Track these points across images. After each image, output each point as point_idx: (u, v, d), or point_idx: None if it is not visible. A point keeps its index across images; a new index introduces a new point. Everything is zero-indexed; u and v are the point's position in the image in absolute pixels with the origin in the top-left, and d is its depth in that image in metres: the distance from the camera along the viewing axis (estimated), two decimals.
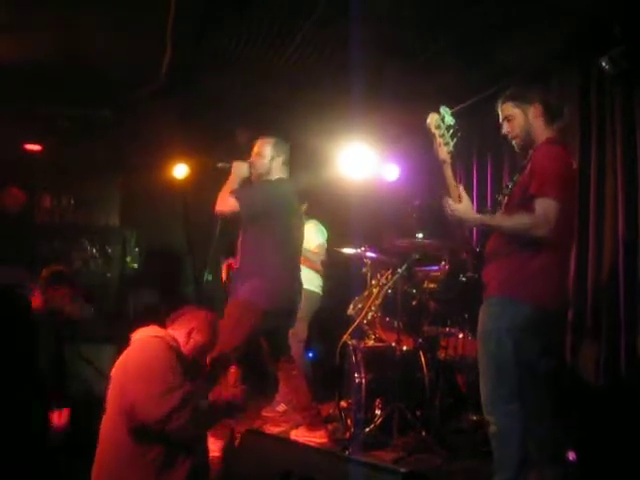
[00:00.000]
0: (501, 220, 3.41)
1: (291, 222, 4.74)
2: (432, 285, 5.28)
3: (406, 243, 5.09)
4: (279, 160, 4.78)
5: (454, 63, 5.36)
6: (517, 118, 3.49)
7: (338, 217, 6.69)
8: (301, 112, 6.33)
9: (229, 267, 5.40)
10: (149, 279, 7.67)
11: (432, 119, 3.37)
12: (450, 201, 3.39)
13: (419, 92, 5.95)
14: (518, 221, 3.28)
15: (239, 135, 6.25)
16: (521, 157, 5.06)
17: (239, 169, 4.76)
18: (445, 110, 3.38)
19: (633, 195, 4.57)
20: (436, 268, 5.30)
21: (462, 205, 3.36)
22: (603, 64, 4.58)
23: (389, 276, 5.13)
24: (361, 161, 6.61)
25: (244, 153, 4.94)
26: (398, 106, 6.26)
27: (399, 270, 4.98)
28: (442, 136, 3.35)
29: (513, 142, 3.55)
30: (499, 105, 3.60)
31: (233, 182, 4.73)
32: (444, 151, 3.35)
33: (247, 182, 4.81)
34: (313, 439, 4.69)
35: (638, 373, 4.42)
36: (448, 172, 3.37)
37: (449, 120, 3.36)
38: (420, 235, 5.20)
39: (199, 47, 5.28)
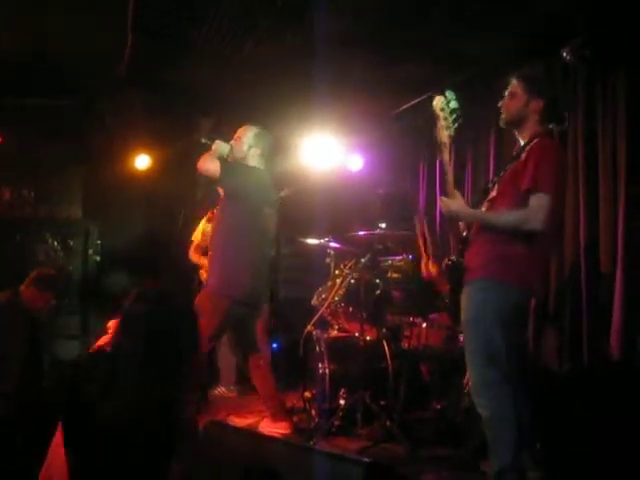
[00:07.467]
0: (495, 216, 3.37)
1: (263, 211, 4.78)
2: (396, 275, 5.29)
3: (369, 234, 5.11)
4: (256, 150, 4.86)
5: (418, 56, 5.37)
6: (519, 100, 3.44)
7: (302, 207, 6.68)
8: (265, 102, 6.30)
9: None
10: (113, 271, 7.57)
11: (437, 101, 3.42)
12: (443, 198, 3.43)
13: (383, 84, 5.97)
14: (512, 217, 3.28)
15: (203, 122, 6.22)
16: (496, 145, 5.15)
17: (220, 147, 4.83)
18: (450, 94, 3.42)
19: (593, 187, 4.63)
20: (399, 258, 5.31)
21: (455, 201, 3.39)
22: (564, 55, 4.62)
23: (352, 266, 5.13)
24: (325, 151, 6.60)
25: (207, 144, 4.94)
26: (362, 97, 6.27)
27: (362, 260, 4.98)
28: (445, 119, 3.39)
29: (502, 115, 3.51)
30: (510, 77, 3.52)
31: (212, 157, 4.77)
32: (444, 134, 3.40)
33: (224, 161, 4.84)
34: (277, 430, 4.68)
35: (600, 360, 4.47)
36: (445, 155, 3.40)
37: (454, 104, 3.40)
38: (383, 225, 5.20)
39: (162, 38, 5.23)
